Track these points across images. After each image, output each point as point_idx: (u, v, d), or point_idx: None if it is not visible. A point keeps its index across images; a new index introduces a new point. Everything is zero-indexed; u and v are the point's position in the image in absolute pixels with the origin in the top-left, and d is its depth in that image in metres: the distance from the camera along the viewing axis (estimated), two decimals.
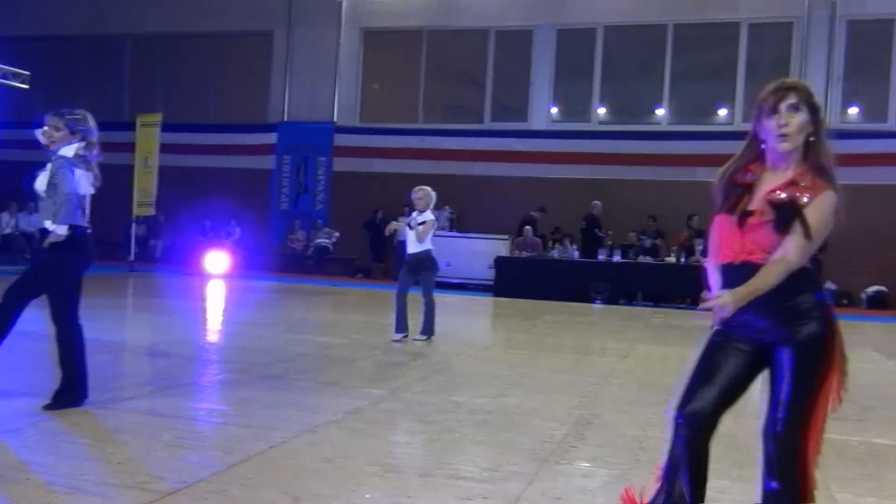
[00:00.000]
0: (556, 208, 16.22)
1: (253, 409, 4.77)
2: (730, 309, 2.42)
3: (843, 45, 15.50)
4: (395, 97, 18.66)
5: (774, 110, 2.52)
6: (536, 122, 17.12)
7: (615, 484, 3.65)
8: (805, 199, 2.45)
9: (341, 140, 17.86)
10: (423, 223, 7.77)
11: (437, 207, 16.80)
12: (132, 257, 16.14)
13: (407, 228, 7.90)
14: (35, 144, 17.68)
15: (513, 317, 11.31)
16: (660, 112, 16.78)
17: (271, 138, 18.28)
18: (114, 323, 8.67)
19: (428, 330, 7.85)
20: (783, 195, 2.48)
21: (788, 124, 2.49)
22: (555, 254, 15.02)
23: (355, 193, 17.31)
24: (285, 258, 17.88)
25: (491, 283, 14.58)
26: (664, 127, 16.51)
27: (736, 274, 2.52)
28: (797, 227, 2.43)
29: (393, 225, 8.50)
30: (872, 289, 14.80)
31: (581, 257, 14.78)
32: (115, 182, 17.93)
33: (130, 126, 16.64)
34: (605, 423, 4.85)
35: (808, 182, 2.49)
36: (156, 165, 16.02)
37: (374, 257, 17.22)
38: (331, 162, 17.93)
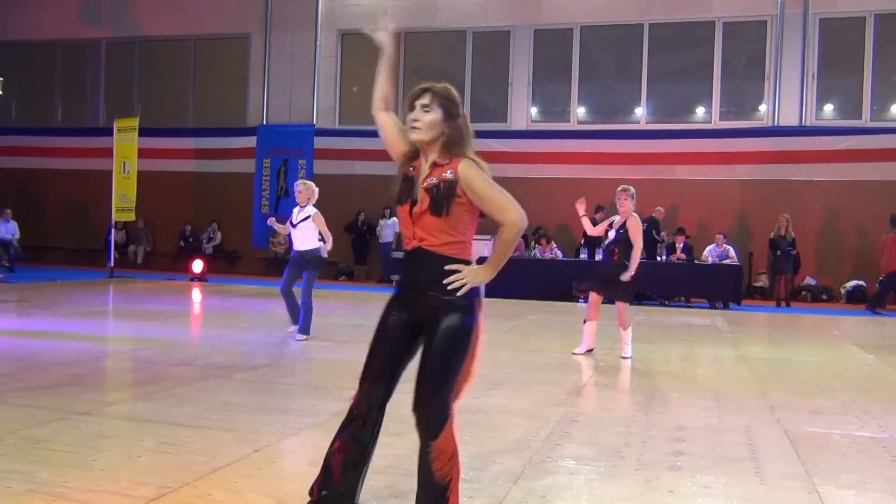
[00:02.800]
0: (537, 208, 16.26)
1: (236, 412, 4.74)
2: (476, 283, 2.82)
3: (817, 42, 15.65)
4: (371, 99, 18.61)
5: (412, 107, 2.96)
6: (516, 123, 17.16)
7: (600, 480, 3.67)
8: (449, 175, 2.82)
9: (321, 143, 17.78)
10: (305, 218, 7.76)
11: None
12: (112, 263, 16.00)
13: (290, 227, 7.83)
14: (9, 150, 17.57)
15: (496, 317, 11.31)
16: (638, 111, 16.86)
17: (251, 142, 18.16)
18: (94, 329, 8.59)
19: (306, 329, 7.84)
20: (433, 180, 2.84)
21: (419, 119, 2.91)
22: (536, 253, 15.05)
23: (337, 196, 17.23)
24: (267, 261, 17.80)
25: None
26: (643, 126, 16.60)
27: (412, 259, 2.90)
28: (491, 193, 2.79)
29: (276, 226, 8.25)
30: (851, 283, 14.95)
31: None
32: (94, 188, 17.87)
33: (108, 131, 16.51)
34: (589, 421, 4.87)
35: (447, 160, 2.86)
36: (135, 170, 15.89)
37: (356, 259, 17.21)
38: (312, 164, 17.86)
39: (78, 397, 4.97)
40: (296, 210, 7.88)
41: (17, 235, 16.47)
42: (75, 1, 19.19)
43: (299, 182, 7.95)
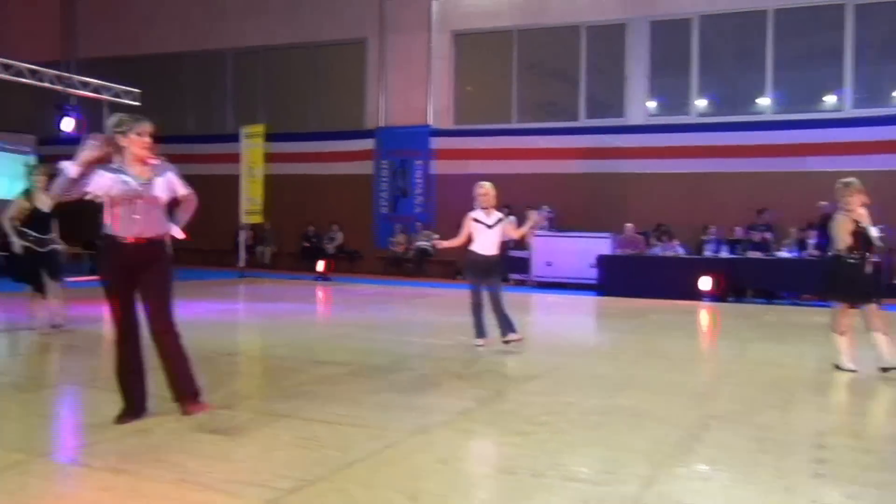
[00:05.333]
0: (657, 204, 15.88)
1: (365, 409, 4.86)
2: None
3: None
4: (489, 98, 18.68)
5: None
6: (633, 118, 16.80)
7: (736, 487, 3.54)
8: None
9: (437, 143, 18.02)
10: (500, 221, 7.34)
11: (534, 207, 16.80)
12: (242, 263, 16.75)
13: (485, 228, 7.30)
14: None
15: (618, 316, 11.12)
16: (763, 101, 16.16)
17: (370, 144, 18.63)
18: (228, 327, 9.01)
19: (513, 326, 7.31)
20: None
21: None
22: (657, 250, 14.69)
23: (453, 195, 17.41)
24: (387, 261, 18.18)
25: (593, 281, 14.38)
26: (769, 116, 15.90)
27: None
28: None
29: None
30: None
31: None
32: (224, 192, 18.81)
33: (236, 138, 17.30)
34: (721, 425, 4.70)
35: None
36: (262, 175, 16.62)
37: None
38: (429, 165, 18.12)
39: (217, 392, 5.22)
40: (479, 213, 7.33)
41: None
42: (202, 14, 20.19)
43: (483, 185, 7.37)
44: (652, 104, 16.98)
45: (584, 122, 17.09)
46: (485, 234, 7.30)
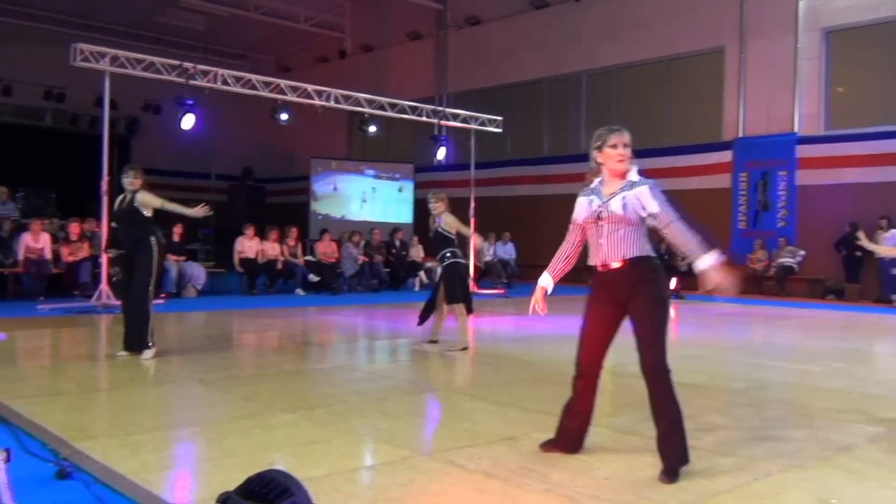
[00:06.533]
0: None
1: (730, 437, 4.62)
2: None
3: None
4: (868, 99, 16.72)
5: None
6: None
7: None
8: None
9: (804, 151, 16.57)
10: None
11: None
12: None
13: None
14: (507, 181, 19.75)
15: None
16: None
17: (727, 156, 17.76)
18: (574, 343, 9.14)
19: None
20: None
21: None
22: None
23: (823, 208, 15.90)
24: (745, 279, 17.15)
25: None
26: None
27: None
28: None
29: None
30: None
31: None
32: (567, 211, 19.34)
33: (587, 157, 17.60)
34: None
35: None
36: None
37: (848, 277, 15.57)
38: (794, 175, 16.74)
39: None
40: None
41: (515, 256, 18.53)
42: (559, 42, 20.94)
43: None
44: None
45: None
46: None
